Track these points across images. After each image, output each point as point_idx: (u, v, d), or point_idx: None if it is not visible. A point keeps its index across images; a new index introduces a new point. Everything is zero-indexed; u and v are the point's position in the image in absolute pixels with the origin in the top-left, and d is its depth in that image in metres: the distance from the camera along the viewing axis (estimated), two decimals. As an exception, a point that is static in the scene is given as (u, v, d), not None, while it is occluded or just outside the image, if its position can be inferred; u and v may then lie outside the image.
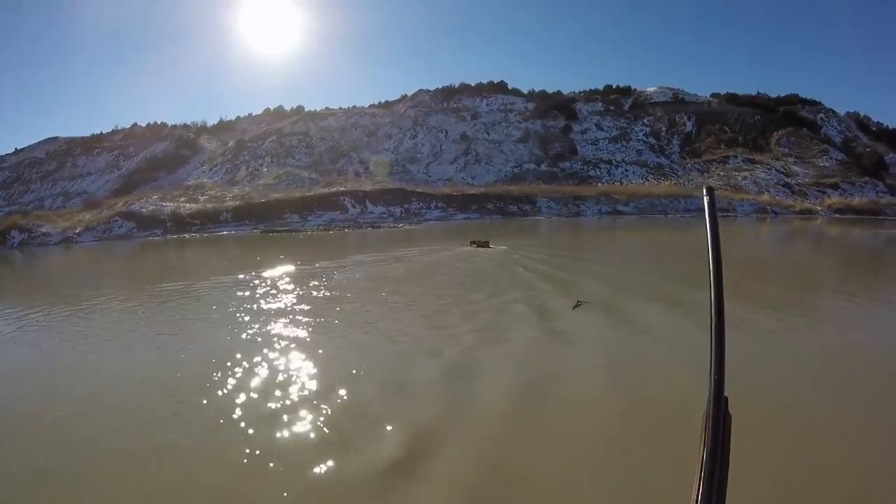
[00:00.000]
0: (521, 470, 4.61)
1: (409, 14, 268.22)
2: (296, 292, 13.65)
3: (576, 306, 10.78)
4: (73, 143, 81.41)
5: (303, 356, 7.94)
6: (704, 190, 1.08)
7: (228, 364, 7.50)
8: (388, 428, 5.38)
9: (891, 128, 70.86)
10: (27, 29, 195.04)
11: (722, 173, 60.54)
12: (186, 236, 38.48)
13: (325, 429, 5.48)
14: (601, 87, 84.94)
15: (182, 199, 47.73)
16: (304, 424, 5.58)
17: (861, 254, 23.58)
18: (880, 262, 21.12)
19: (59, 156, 78.88)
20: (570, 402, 6.09)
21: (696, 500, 0.81)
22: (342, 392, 6.41)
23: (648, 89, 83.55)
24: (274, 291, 13.82)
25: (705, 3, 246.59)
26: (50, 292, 16.52)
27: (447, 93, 79.91)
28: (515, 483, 4.44)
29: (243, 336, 9.27)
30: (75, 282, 19.57)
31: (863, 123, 73.85)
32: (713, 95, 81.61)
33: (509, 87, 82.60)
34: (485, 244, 21.90)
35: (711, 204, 1.05)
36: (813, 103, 75.27)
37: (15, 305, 13.93)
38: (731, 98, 79.50)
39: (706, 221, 1.02)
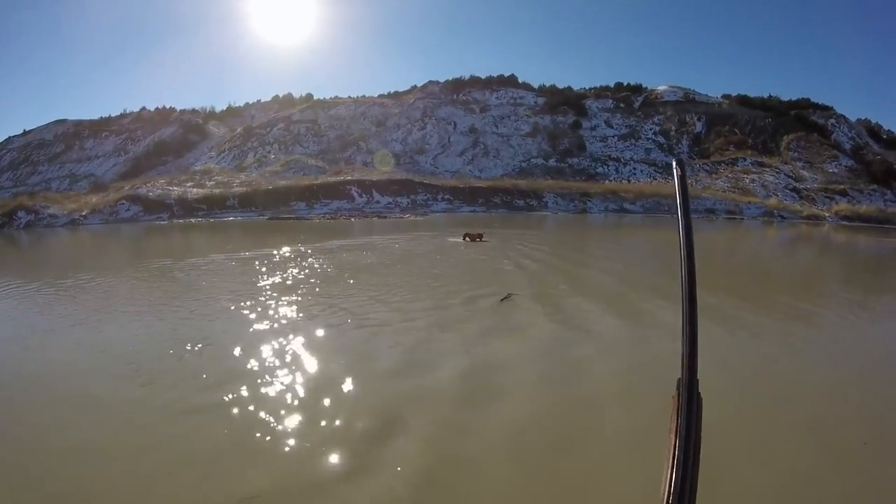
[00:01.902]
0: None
1: (421, 4, 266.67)
2: (262, 273, 14.34)
3: (504, 299, 10.78)
4: (81, 125, 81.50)
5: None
6: (674, 162, 1.05)
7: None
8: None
9: None
10: (39, 12, 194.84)
11: (730, 175, 60.05)
12: (193, 221, 38.59)
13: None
14: (612, 85, 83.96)
15: (189, 183, 47.77)
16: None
17: (867, 262, 23.49)
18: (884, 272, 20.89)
19: (66, 138, 78.99)
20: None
21: (670, 482, 0.80)
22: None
23: (659, 88, 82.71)
24: (255, 271, 14.54)
25: (719, 2, 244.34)
26: (50, 269, 16.82)
27: (457, 85, 79.47)
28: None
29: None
30: (75, 261, 19.85)
31: (874, 131, 73.03)
32: (724, 97, 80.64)
33: (519, 80, 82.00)
34: (478, 236, 21.30)
35: (682, 178, 1.01)
36: (824, 108, 74.20)
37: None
38: (743, 100, 78.63)
39: (677, 199, 0.98)
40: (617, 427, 5.22)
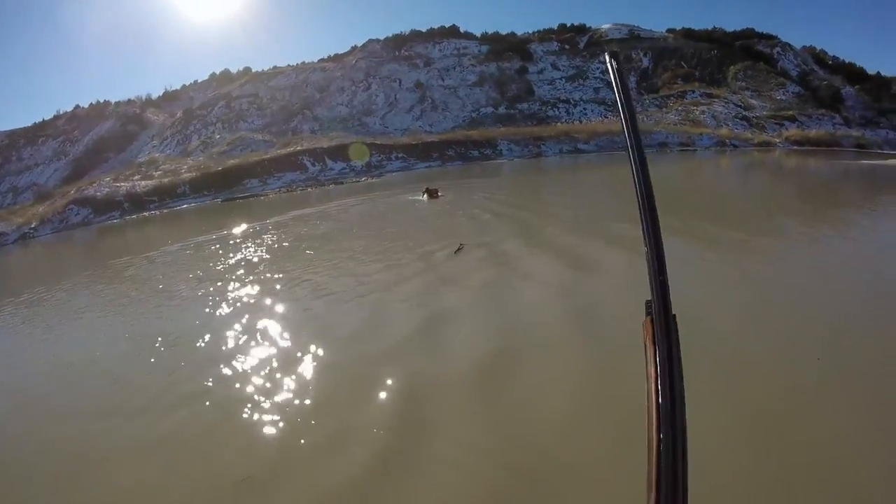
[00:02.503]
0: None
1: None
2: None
3: (457, 250, 11.34)
4: (14, 135, 77.03)
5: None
6: (606, 55, 1.04)
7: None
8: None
9: (847, 62, 71.81)
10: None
11: (680, 108, 60.98)
12: (146, 214, 37.60)
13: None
14: (555, 27, 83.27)
15: (136, 177, 46.23)
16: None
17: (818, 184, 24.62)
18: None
19: (1, 151, 74.83)
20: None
21: (657, 409, 0.77)
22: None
23: (603, 27, 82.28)
24: (212, 255, 14.83)
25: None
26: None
27: (398, 41, 77.32)
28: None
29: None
30: (30, 277, 19.15)
31: (819, 57, 74.35)
32: (669, 31, 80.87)
33: (461, 30, 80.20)
34: (434, 192, 21.13)
35: (619, 72, 0.98)
36: (769, 37, 75.22)
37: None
38: (688, 33, 79.06)
39: (617, 98, 0.97)
40: (558, 359, 5.85)
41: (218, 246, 16.11)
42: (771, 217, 13.92)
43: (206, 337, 7.79)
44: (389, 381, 5.64)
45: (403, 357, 6.26)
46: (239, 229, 19.44)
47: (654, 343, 0.81)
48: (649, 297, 0.85)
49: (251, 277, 11.23)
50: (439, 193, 21.24)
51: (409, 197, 22.06)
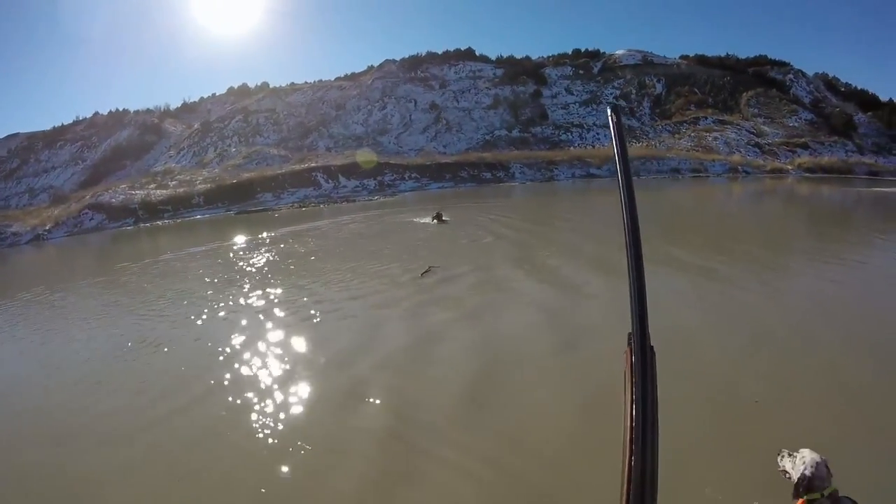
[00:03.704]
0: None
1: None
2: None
3: (425, 273, 11.34)
4: (34, 137, 78.52)
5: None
6: (609, 109, 1.10)
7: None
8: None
9: (859, 88, 72.32)
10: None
11: (693, 134, 61.18)
12: (159, 223, 37.96)
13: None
14: (570, 52, 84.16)
15: (151, 185, 46.77)
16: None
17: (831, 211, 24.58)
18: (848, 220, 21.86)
19: (21, 152, 76.10)
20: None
21: (630, 440, 0.79)
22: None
23: (617, 52, 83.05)
24: (224, 263, 14.85)
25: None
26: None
27: (414, 62, 78.46)
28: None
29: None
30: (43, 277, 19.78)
31: (831, 84, 74.78)
32: (682, 58, 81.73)
33: (477, 53, 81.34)
34: (440, 217, 20.69)
35: (618, 125, 1.04)
36: (782, 64, 75.88)
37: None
38: (701, 60, 79.80)
39: (614, 148, 1.03)
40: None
41: (218, 257, 16.87)
42: (777, 249, 13.84)
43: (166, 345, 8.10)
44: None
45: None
46: (241, 239, 20.55)
47: (631, 373, 0.83)
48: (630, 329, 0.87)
49: (244, 290, 11.63)
50: (444, 217, 20.88)
51: (417, 220, 21.86)
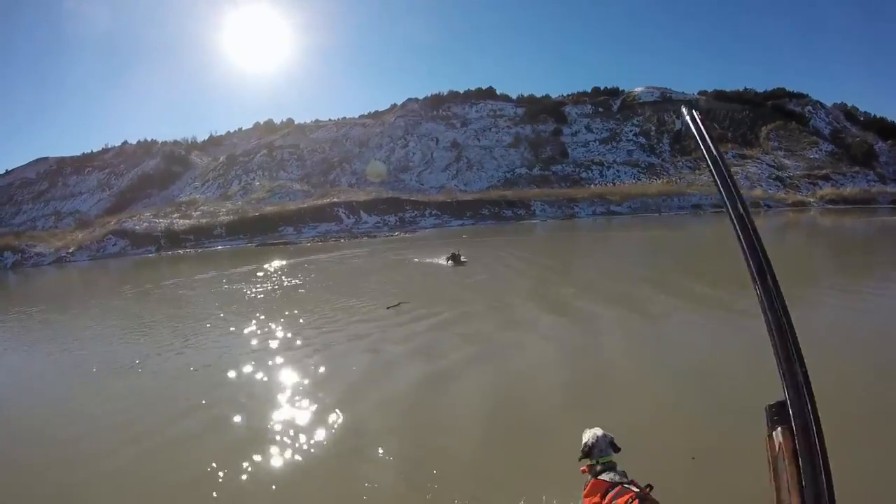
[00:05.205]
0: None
1: (393, 28, 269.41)
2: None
3: (390, 307, 11.09)
4: (63, 162, 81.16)
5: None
6: (682, 108, 0.90)
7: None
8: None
9: (878, 117, 71.71)
10: (14, 49, 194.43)
11: (714, 170, 60.71)
12: (181, 252, 38.35)
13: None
14: (589, 90, 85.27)
15: (175, 215, 47.59)
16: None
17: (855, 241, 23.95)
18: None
19: (49, 176, 78.55)
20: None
21: None
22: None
23: (636, 90, 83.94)
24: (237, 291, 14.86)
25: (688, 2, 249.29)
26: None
27: (436, 100, 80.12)
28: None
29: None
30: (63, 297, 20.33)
31: (850, 114, 74.43)
32: (701, 93, 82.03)
33: (498, 92, 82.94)
34: (457, 258, 18.75)
35: (696, 122, 0.84)
36: (800, 96, 75.84)
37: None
38: (719, 95, 80.00)
39: (703, 150, 0.81)
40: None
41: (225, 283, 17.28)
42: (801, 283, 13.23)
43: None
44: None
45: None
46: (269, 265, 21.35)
47: (795, 463, 0.62)
48: (773, 401, 0.66)
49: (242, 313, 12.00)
50: (462, 258, 18.83)
51: (434, 260, 20.09)
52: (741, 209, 0.74)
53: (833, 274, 14.22)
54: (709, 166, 0.79)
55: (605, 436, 3.32)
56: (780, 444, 0.64)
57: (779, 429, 0.65)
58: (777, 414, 0.65)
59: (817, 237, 26.95)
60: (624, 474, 3.14)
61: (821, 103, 74.35)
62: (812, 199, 49.86)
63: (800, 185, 54.34)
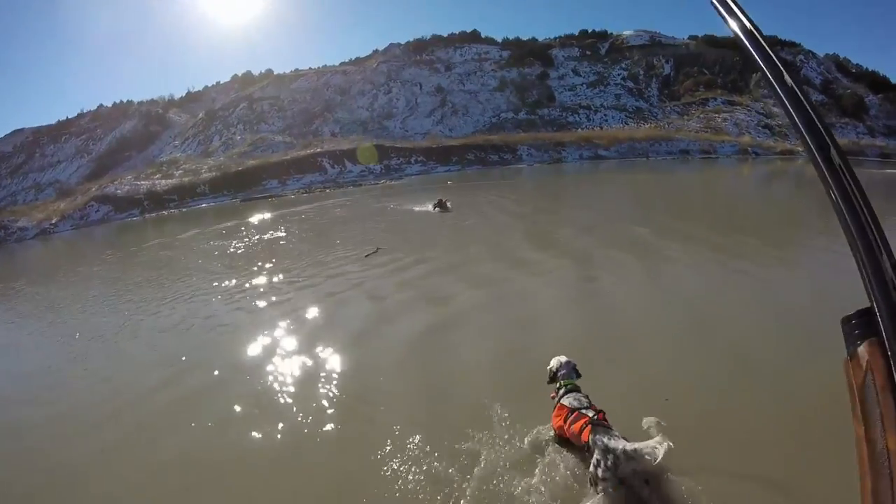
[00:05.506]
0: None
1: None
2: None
3: (369, 254, 11.11)
4: (39, 132, 78.65)
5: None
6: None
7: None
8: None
9: (870, 70, 70.85)
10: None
11: (702, 115, 60.20)
12: (165, 213, 37.71)
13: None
14: (577, 33, 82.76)
15: (157, 176, 46.59)
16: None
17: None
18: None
19: (26, 147, 76.35)
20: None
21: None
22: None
23: (625, 33, 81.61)
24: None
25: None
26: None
27: (419, 45, 77.67)
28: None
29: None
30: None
31: (842, 65, 73.30)
32: (691, 38, 79.59)
33: (482, 35, 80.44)
34: (443, 205, 18.93)
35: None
36: (792, 45, 74.13)
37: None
38: (709, 40, 77.56)
39: (762, 66, 0.67)
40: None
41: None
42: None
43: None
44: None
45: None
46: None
47: (892, 384, 0.49)
48: (851, 311, 0.54)
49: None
50: (448, 205, 19.05)
51: (418, 208, 20.15)
52: (790, 83, 0.66)
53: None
54: (744, 45, 0.70)
55: (568, 362, 3.87)
56: (867, 362, 0.51)
57: (864, 343, 0.51)
58: (860, 325, 0.52)
59: (804, 188, 26.78)
60: (587, 397, 3.58)
61: (812, 53, 73.19)
62: (800, 149, 49.47)
63: (788, 134, 53.83)
